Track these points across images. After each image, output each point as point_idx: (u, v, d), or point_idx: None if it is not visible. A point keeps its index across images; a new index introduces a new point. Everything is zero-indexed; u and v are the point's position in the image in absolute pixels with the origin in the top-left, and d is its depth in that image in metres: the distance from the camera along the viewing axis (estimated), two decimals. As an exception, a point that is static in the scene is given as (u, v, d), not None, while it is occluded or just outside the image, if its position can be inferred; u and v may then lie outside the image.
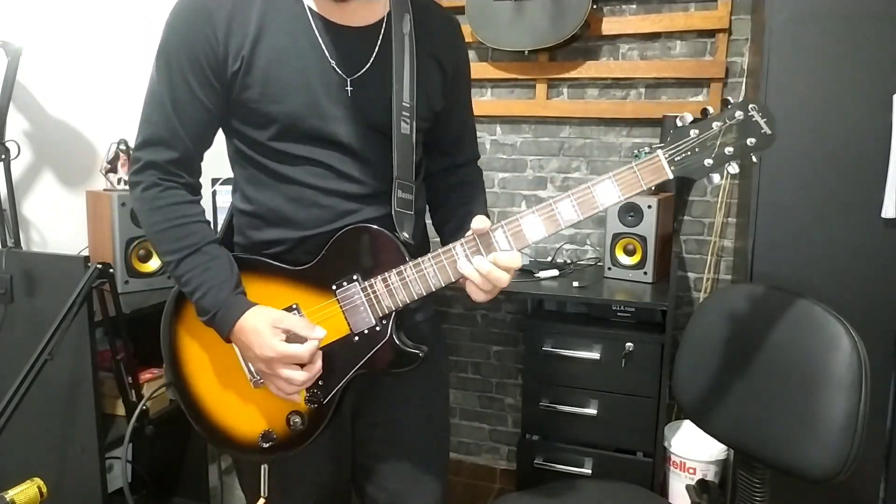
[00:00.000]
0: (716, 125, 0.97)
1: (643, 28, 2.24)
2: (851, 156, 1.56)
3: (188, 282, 1.04)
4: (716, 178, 0.99)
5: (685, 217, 2.30)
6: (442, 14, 1.19)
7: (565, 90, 2.38)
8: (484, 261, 1.00)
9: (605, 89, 2.34)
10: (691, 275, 2.32)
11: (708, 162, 0.97)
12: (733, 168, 0.98)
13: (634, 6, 2.27)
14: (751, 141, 0.96)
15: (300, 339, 1.02)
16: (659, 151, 0.98)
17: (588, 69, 2.31)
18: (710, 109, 0.99)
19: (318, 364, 1.04)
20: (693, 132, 0.97)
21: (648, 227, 2.04)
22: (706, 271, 2.29)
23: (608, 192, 0.98)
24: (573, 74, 2.33)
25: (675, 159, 0.97)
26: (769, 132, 0.96)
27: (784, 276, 1.64)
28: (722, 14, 2.14)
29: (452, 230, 1.17)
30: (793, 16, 1.57)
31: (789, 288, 1.32)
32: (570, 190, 1.00)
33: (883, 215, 1.54)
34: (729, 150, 0.97)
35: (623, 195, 0.98)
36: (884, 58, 1.51)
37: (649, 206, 2.03)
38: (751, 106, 0.96)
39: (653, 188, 2.07)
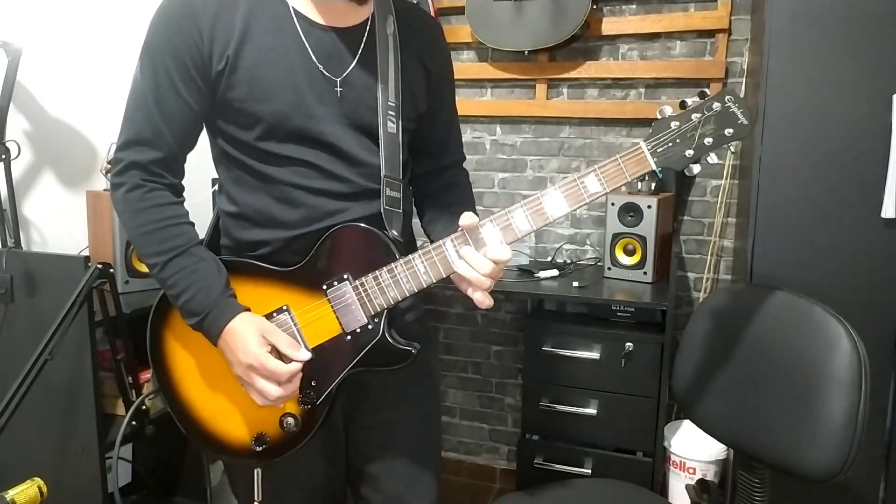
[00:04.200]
0: (695, 117, 0.99)
1: (643, 28, 2.24)
2: (851, 156, 1.56)
3: (175, 284, 1.03)
4: (696, 168, 1.00)
5: (685, 217, 2.30)
6: (424, 17, 1.19)
7: (565, 90, 2.38)
8: (474, 252, 1.00)
9: (605, 89, 2.34)
10: (691, 275, 2.32)
11: (689, 153, 0.99)
12: (713, 158, 1.00)
13: (634, 6, 2.27)
14: (728, 131, 0.99)
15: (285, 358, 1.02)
16: (642, 143, 0.99)
17: (588, 69, 2.31)
18: (689, 101, 1.00)
19: (296, 384, 1.04)
20: (674, 124, 0.99)
21: (648, 227, 2.03)
22: (706, 271, 2.29)
23: (593, 185, 1.00)
24: (573, 74, 2.33)
25: (658, 150, 0.99)
26: (745, 122, 0.98)
27: (784, 276, 1.64)
28: (722, 14, 2.14)
29: (441, 231, 1.16)
30: (793, 16, 1.57)
31: (789, 288, 1.32)
32: (556, 183, 1.01)
33: (883, 215, 1.54)
34: (708, 140, 0.99)
35: (608, 187, 1.00)
36: (884, 58, 1.51)
37: (649, 206, 2.03)
38: (727, 97, 0.98)
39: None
